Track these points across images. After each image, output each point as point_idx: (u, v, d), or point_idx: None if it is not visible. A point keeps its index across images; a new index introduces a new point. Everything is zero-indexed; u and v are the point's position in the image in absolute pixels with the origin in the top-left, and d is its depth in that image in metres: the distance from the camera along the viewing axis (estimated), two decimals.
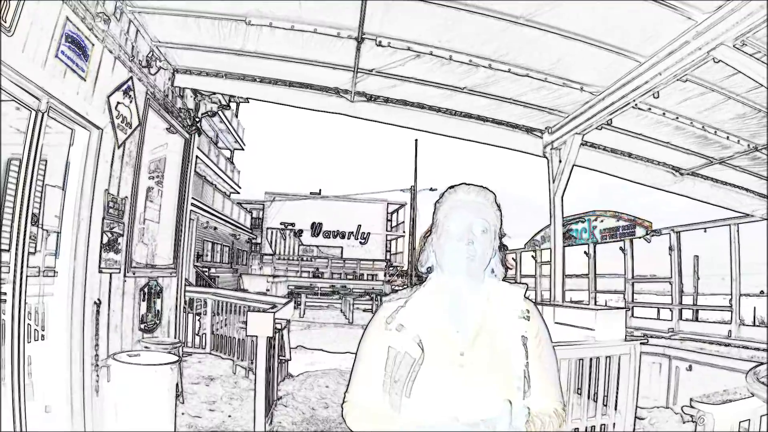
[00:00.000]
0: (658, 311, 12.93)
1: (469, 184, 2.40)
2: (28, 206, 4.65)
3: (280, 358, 8.41)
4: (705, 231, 11.61)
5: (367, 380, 2.32)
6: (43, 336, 5.51)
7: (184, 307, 8.93)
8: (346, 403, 2.34)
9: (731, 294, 10.53)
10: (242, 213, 36.88)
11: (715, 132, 7.79)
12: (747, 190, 9.68)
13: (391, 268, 43.53)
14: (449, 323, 2.29)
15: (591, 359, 6.06)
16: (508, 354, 2.25)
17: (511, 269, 2.68)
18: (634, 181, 9.52)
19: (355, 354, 2.41)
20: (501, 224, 2.40)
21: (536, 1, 5.49)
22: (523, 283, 2.49)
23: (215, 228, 30.38)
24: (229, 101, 9.71)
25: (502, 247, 2.43)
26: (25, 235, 4.61)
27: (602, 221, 16.24)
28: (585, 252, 15.99)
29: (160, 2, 6.18)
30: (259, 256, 42.75)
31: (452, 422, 2.09)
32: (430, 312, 2.33)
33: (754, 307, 11.77)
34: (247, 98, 9.09)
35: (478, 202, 2.35)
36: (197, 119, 9.06)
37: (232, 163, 36.26)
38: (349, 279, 39.24)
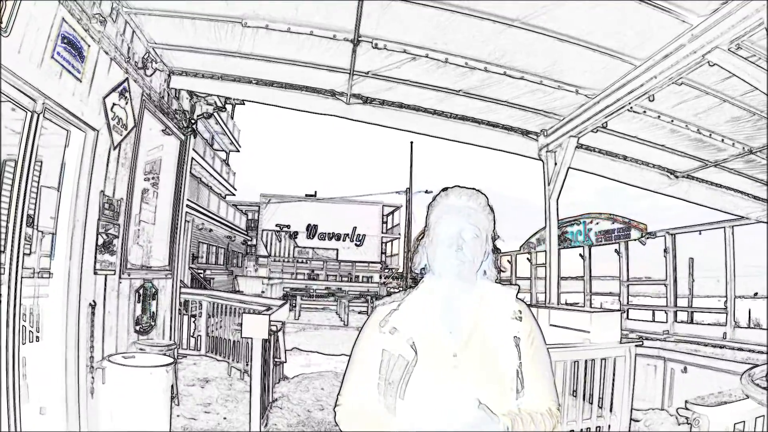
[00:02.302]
0: (653, 313, 12.96)
1: (461, 188, 2.42)
2: (23, 207, 4.64)
3: (276, 360, 8.40)
4: (700, 233, 11.65)
5: (361, 383, 2.33)
6: (38, 337, 5.49)
7: (179, 309, 8.92)
8: (339, 407, 2.35)
9: (726, 296, 10.57)
10: (238, 215, 36.79)
11: (710, 135, 7.81)
12: (742, 192, 9.69)
13: (386, 271, 43.50)
14: (442, 325, 2.31)
15: (586, 361, 6.07)
16: (500, 355, 2.26)
17: (504, 271, 2.70)
18: (629, 183, 9.54)
19: (349, 357, 2.42)
20: (494, 227, 2.42)
21: (532, 2, 5.50)
22: (515, 285, 2.50)
23: (210, 230, 30.30)
24: (225, 103, 9.70)
25: (495, 250, 2.44)
26: (20, 236, 4.60)
27: (597, 224, 16.26)
28: (580, 254, 16.02)
29: (157, 3, 6.18)
30: (254, 257, 42.64)
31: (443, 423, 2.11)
32: (423, 314, 2.34)
33: (749, 309, 11.79)
34: (242, 100, 9.09)
35: (468, 207, 2.36)
36: (193, 121, 9.05)
37: (227, 164, 36.18)
38: (345, 281, 39.22)
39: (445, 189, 2.44)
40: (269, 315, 6.67)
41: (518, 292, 2.44)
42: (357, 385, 2.34)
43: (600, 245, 15.89)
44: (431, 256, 2.38)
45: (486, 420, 2.08)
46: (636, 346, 6.31)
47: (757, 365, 5.15)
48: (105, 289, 6.27)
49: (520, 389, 2.24)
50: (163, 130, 8.01)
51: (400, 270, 39.58)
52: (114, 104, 6.14)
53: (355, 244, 44.22)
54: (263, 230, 43.40)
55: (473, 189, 2.42)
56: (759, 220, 9.97)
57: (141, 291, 7.28)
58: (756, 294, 11.10)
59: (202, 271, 27.49)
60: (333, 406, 2.38)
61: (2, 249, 4.52)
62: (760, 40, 5.03)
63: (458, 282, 2.34)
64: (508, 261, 19.76)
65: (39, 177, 5.51)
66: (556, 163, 8.32)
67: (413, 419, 2.17)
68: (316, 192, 44.18)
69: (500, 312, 2.35)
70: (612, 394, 6.14)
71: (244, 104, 9.90)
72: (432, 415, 2.14)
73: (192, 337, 9.85)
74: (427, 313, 2.35)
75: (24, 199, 4.65)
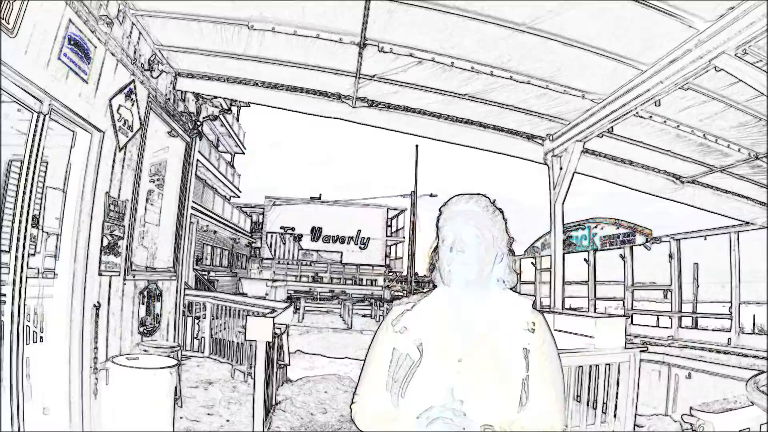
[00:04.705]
0: (658, 319, 12.91)
1: (463, 194, 2.43)
2: (28, 208, 4.64)
3: (279, 362, 8.39)
4: (705, 239, 11.61)
5: (373, 381, 2.38)
6: (42, 338, 5.50)
7: (183, 311, 8.92)
8: (354, 404, 2.40)
9: (731, 302, 10.53)
10: (242, 217, 36.85)
11: (716, 140, 7.78)
12: (747, 198, 9.67)
13: (390, 274, 43.51)
14: (451, 330, 2.31)
15: (590, 366, 6.05)
16: (507, 364, 2.25)
17: (520, 273, 2.68)
18: (635, 188, 9.52)
19: (365, 355, 2.46)
20: (505, 228, 2.41)
21: (539, 7, 5.49)
22: (531, 296, 2.50)
23: (215, 231, 30.36)
24: (231, 105, 9.71)
25: (511, 253, 2.44)
26: (25, 236, 4.61)
27: (602, 228, 16.26)
28: (585, 259, 15.98)
29: (163, 5, 6.19)
30: (258, 260, 42.73)
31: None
32: (434, 317, 2.36)
33: (754, 315, 11.74)
34: (248, 102, 9.10)
35: (468, 210, 2.37)
36: (198, 123, 9.07)
37: (232, 166, 36.29)
38: (349, 284, 39.25)
39: (449, 199, 2.46)
40: (273, 318, 6.67)
41: (534, 303, 2.44)
42: (370, 383, 2.39)
43: (605, 250, 15.90)
44: (440, 265, 2.39)
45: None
46: (640, 351, 6.29)
47: (762, 372, 5.13)
48: (109, 291, 6.28)
49: (524, 401, 2.22)
50: (168, 132, 8.02)
51: (404, 273, 39.53)
52: (120, 106, 6.15)
53: (360, 247, 44.26)
54: (268, 232, 43.50)
55: (477, 194, 2.42)
56: (764, 226, 9.94)
57: (145, 292, 7.29)
58: (758, 303, 11.07)
59: (206, 273, 27.51)
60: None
61: (7, 249, 4.53)
62: (766, 46, 5.01)
63: (467, 288, 2.33)
64: None
65: (44, 178, 5.53)
66: (561, 168, 8.31)
67: (411, 418, 2.18)
68: (320, 195, 44.34)
69: (513, 322, 2.34)
70: (616, 399, 6.12)
71: (249, 106, 9.92)
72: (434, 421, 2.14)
73: (195, 338, 9.86)
74: (438, 316, 2.36)
75: (29, 199, 4.65)
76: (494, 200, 2.44)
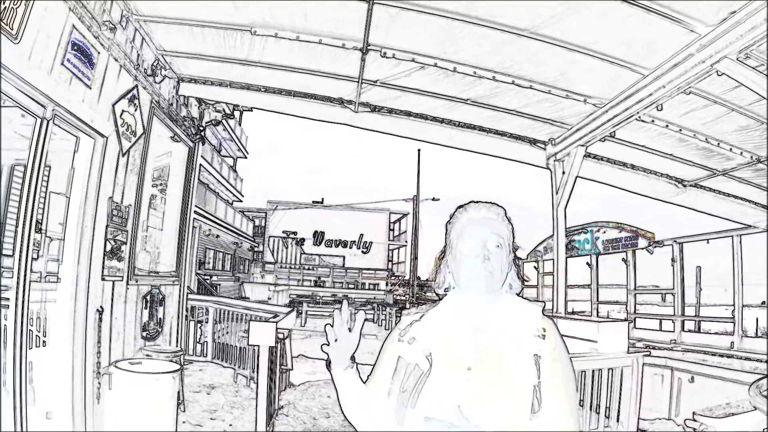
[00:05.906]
0: (661, 322, 12.89)
1: (477, 202, 2.42)
2: (32, 212, 4.66)
3: (282, 367, 8.39)
4: (708, 242, 11.59)
5: (374, 388, 2.38)
6: (44, 342, 5.50)
7: (185, 315, 8.93)
8: None
9: (734, 305, 10.51)
10: (244, 221, 36.85)
11: (718, 144, 7.79)
12: (750, 201, 9.66)
13: (392, 278, 43.45)
14: (460, 338, 2.29)
15: (593, 371, 6.05)
16: (518, 372, 2.22)
17: (528, 281, 2.68)
18: (637, 192, 9.53)
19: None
20: (513, 238, 2.41)
21: (541, 12, 5.50)
22: (541, 302, 2.48)
23: (217, 236, 30.35)
24: (233, 110, 9.73)
25: (516, 260, 2.44)
26: (28, 241, 4.62)
27: (605, 232, 16.19)
28: (587, 263, 15.94)
29: (166, 10, 6.21)
30: (260, 264, 42.64)
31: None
32: (443, 327, 2.34)
33: (757, 318, 11.71)
34: (251, 107, 9.12)
35: (489, 218, 2.36)
36: (201, 128, 9.08)
37: (234, 171, 36.31)
38: (351, 288, 39.19)
39: (461, 206, 2.44)
40: (276, 322, 6.68)
41: (544, 308, 2.42)
42: (372, 389, 2.39)
43: (607, 254, 15.83)
44: (457, 272, 2.36)
45: None
46: (643, 355, 6.29)
47: (765, 376, 5.13)
48: (112, 295, 6.28)
49: (537, 408, 2.20)
50: (171, 137, 8.04)
51: (407, 277, 39.50)
52: (123, 111, 6.17)
53: (362, 252, 44.25)
54: (270, 237, 43.48)
55: (491, 203, 2.42)
56: (766, 229, 9.93)
57: (148, 297, 7.30)
58: (763, 302, 11.04)
59: (208, 277, 27.51)
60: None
61: (10, 253, 4.53)
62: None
63: (485, 295, 2.32)
64: None
65: (47, 182, 5.53)
66: (564, 172, 8.31)
67: (420, 429, 2.18)
68: (323, 199, 44.32)
69: (523, 329, 2.31)
70: (619, 403, 6.12)
71: (252, 111, 9.93)
72: (439, 427, 2.14)
73: (198, 343, 9.87)
74: (448, 325, 2.35)
75: (33, 204, 4.67)
76: (504, 209, 2.44)
